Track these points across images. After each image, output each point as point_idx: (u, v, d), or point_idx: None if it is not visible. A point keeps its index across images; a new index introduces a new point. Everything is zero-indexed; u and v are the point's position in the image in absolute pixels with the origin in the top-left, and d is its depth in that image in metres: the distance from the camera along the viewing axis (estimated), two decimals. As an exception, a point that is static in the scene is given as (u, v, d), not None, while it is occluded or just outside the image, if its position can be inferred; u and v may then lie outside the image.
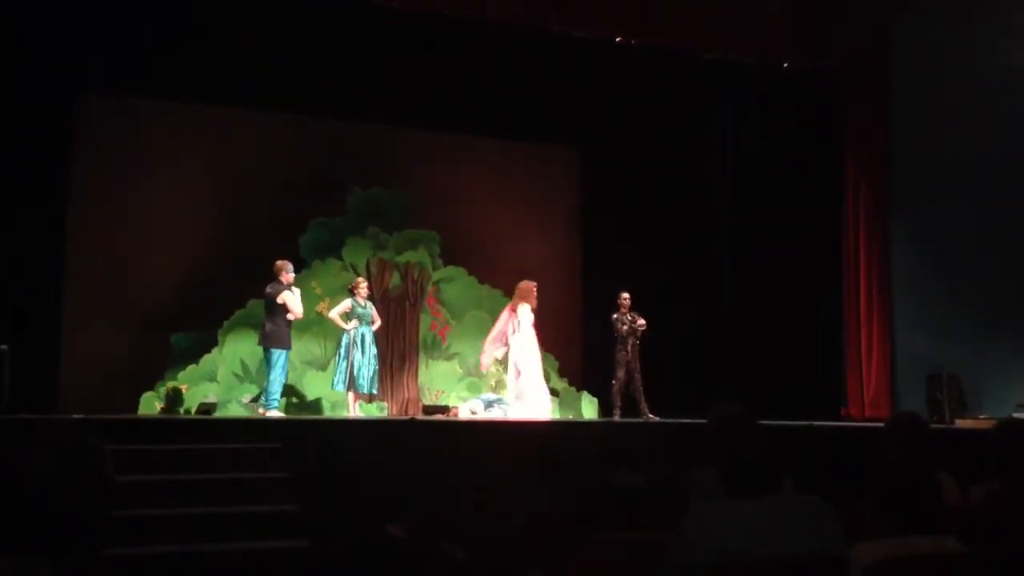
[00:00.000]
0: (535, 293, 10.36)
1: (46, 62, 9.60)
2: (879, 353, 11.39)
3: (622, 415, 10.34)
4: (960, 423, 9.64)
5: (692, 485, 3.92)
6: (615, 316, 10.52)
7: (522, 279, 10.57)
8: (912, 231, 11.45)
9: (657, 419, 10.05)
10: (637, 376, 10.42)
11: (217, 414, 9.79)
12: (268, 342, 9.30)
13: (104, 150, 10.56)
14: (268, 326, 9.28)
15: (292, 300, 9.28)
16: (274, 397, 9.22)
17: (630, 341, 10.46)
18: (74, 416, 7.79)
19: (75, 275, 10.19)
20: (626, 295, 10.55)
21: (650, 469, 4.42)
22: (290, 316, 9.27)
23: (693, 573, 2.57)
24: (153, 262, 10.78)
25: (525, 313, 10.25)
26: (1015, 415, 8.73)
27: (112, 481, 1.81)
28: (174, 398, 10.16)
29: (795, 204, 12.07)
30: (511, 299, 10.52)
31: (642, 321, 10.49)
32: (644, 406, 10.32)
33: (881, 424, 7.63)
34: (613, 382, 10.49)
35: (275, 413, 9.14)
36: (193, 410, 9.84)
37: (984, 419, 9.31)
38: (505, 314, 10.40)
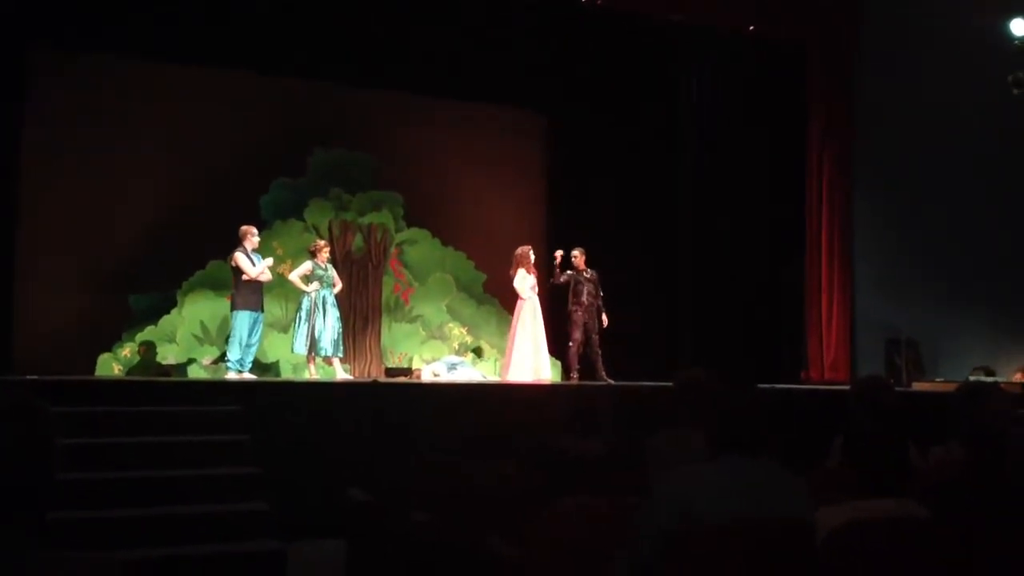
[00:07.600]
0: (531, 258, 10.30)
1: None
2: (839, 317, 11.51)
3: (580, 378, 10.14)
4: (917, 386, 9.77)
5: (648, 451, 3.91)
6: (569, 273, 10.30)
7: (487, 241, 10.38)
8: (874, 198, 11.54)
9: (614, 383, 9.93)
10: (595, 338, 10.16)
11: (176, 376, 9.68)
12: (231, 305, 9.36)
13: (60, 107, 10.25)
14: (232, 290, 9.33)
15: (243, 260, 9.15)
16: (232, 359, 9.09)
17: (586, 300, 10.20)
18: (15, 378, 7.61)
19: (29, 235, 9.92)
20: (576, 252, 10.31)
21: (607, 433, 4.40)
22: (244, 277, 9.15)
23: (661, 536, 2.55)
24: (111, 222, 10.53)
25: (520, 280, 10.15)
26: (970, 378, 8.88)
27: (55, 444, 1.74)
28: (148, 354, 10.02)
29: (760, 170, 12.08)
30: (474, 262, 10.29)
31: (590, 272, 10.26)
32: (601, 369, 10.12)
33: (841, 387, 7.69)
34: (570, 344, 10.22)
35: (234, 375, 9.03)
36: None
37: (941, 382, 9.44)
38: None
